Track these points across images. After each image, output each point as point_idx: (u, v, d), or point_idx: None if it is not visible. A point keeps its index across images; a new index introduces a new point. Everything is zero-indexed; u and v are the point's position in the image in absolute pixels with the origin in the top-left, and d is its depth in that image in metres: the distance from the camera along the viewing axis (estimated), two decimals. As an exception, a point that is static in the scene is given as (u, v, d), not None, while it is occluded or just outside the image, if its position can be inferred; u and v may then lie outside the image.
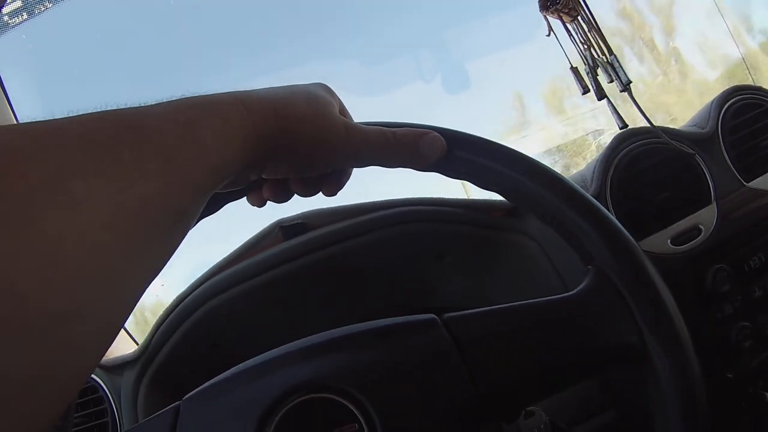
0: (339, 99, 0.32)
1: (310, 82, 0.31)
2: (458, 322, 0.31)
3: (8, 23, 0.73)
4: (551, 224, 0.34)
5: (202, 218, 0.35)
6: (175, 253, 0.24)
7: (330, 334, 0.33)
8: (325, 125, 0.28)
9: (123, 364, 0.65)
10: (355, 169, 0.35)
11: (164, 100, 0.23)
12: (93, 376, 0.66)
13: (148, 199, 0.19)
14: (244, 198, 0.36)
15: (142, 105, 0.22)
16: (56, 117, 0.19)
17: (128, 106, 0.22)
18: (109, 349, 0.73)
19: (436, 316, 0.32)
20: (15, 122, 0.78)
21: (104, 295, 0.17)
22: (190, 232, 0.37)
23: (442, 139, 0.33)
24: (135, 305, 0.20)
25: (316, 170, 0.31)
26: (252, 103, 0.25)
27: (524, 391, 0.31)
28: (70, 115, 0.20)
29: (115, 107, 0.21)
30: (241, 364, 0.33)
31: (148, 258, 0.20)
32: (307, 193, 0.34)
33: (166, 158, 0.20)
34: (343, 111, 0.32)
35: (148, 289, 0.22)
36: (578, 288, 0.32)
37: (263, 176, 0.31)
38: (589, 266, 0.33)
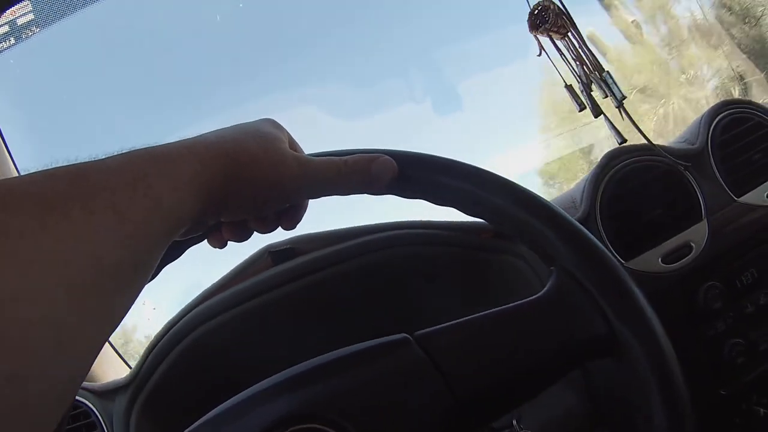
0: (287, 133, 0.32)
1: (258, 120, 0.32)
2: (430, 337, 0.32)
3: (-5, 49, 0.73)
4: (513, 232, 0.35)
5: (164, 265, 0.35)
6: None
7: (308, 365, 0.33)
8: (276, 163, 0.29)
9: (115, 389, 0.65)
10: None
11: (114, 153, 0.23)
12: (85, 401, 0.66)
13: (100, 255, 0.19)
14: None
15: (93, 159, 0.22)
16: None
17: (78, 161, 0.22)
18: (102, 373, 0.73)
19: (408, 335, 0.32)
20: (2, 144, 0.78)
21: (58, 354, 0.17)
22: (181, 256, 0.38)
23: (393, 161, 0.33)
24: (93, 360, 0.20)
25: (272, 208, 0.31)
26: (201, 151, 0.25)
27: (504, 396, 0.31)
28: (23, 173, 0.20)
29: (64, 162, 0.21)
30: (220, 406, 0.33)
31: (103, 314, 0.20)
32: (266, 229, 0.34)
33: (117, 213, 0.20)
34: (292, 145, 0.32)
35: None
36: (544, 289, 0.33)
37: (222, 219, 0.31)
38: (551, 267, 0.33)
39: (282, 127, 0.32)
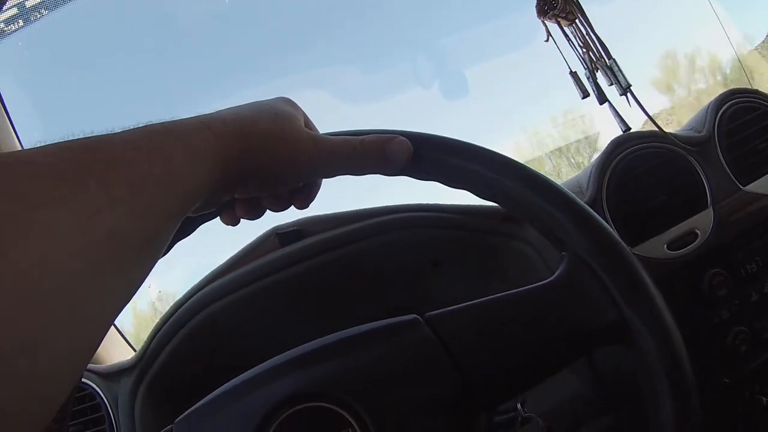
0: (303, 112, 0.32)
1: (274, 98, 0.32)
2: (440, 319, 0.32)
3: (4, 30, 0.73)
4: (524, 217, 0.35)
5: (177, 241, 0.35)
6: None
7: (316, 344, 0.33)
8: (291, 141, 0.29)
9: (120, 371, 0.65)
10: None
11: (130, 127, 0.23)
12: (90, 383, 0.66)
13: (116, 227, 0.19)
14: None
15: (109, 132, 0.22)
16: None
17: (95, 134, 0.22)
18: (108, 355, 0.74)
19: (418, 316, 0.32)
20: (11, 127, 0.78)
21: (74, 322, 0.17)
22: (187, 238, 0.38)
23: (408, 142, 0.33)
24: (106, 331, 0.20)
25: (286, 186, 0.31)
26: (218, 127, 0.25)
27: (512, 379, 0.31)
28: (40, 144, 0.20)
29: (81, 135, 0.21)
30: (229, 382, 0.33)
31: (118, 285, 0.20)
32: (279, 208, 0.34)
33: (134, 186, 0.20)
34: (308, 123, 0.32)
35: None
36: (555, 274, 0.33)
37: (236, 196, 0.31)
38: (563, 252, 0.33)
39: (297, 106, 0.32)
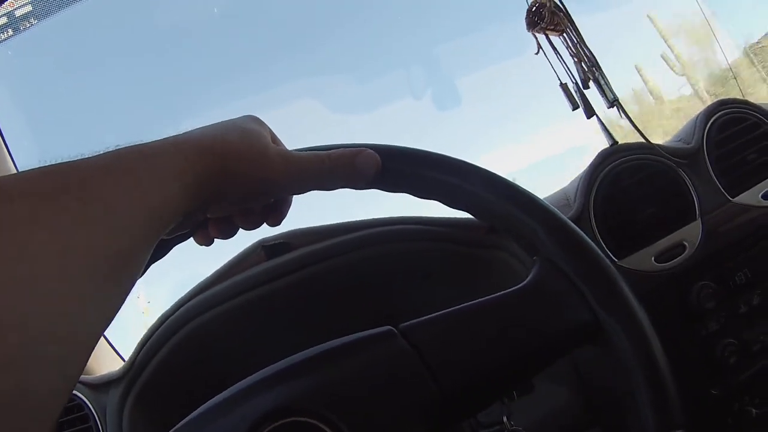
0: (269, 128, 0.33)
1: (240, 116, 0.32)
2: (415, 328, 0.32)
3: (-8, 41, 0.73)
4: (495, 224, 0.35)
5: (152, 263, 0.35)
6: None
7: (295, 358, 0.33)
8: (260, 158, 0.29)
9: (108, 382, 0.65)
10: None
11: (101, 151, 0.24)
12: (78, 393, 0.66)
13: (93, 246, 0.19)
14: None
15: (81, 157, 0.23)
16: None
17: (68, 159, 0.22)
18: (96, 365, 0.74)
19: (392, 327, 0.33)
20: None
21: (55, 342, 0.18)
22: (173, 249, 0.38)
23: (376, 155, 0.33)
24: (91, 350, 0.21)
25: (258, 203, 0.32)
26: (187, 148, 0.26)
27: (488, 385, 0.31)
28: (19, 171, 0.21)
29: (54, 161, 0.22)
30: (209, 401, 0.33)
31: (100, 302, 0.20)
32: (252, 226, 0.34)
33: (106, 204, 0.20)
34: (275, 140, 0.32)
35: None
36: (527, 279, 0.33)
37: (208, 216, 0.32)
38: (534, 257, 0.34)
39: (264, 123, 0.33)
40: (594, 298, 0.30)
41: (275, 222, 0.35)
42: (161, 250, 0.35)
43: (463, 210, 0.36)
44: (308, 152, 0.32)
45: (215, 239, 0.34)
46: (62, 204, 0.19)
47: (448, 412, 0.30)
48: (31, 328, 0.16)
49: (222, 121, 0.30)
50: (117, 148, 0.24)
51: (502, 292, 0.33)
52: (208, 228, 0.34)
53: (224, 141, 0.28)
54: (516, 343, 0.31)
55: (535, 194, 0.34)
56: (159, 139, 0.26)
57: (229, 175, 0.27)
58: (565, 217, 0.33)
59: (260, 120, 0.32)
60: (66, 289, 0.18)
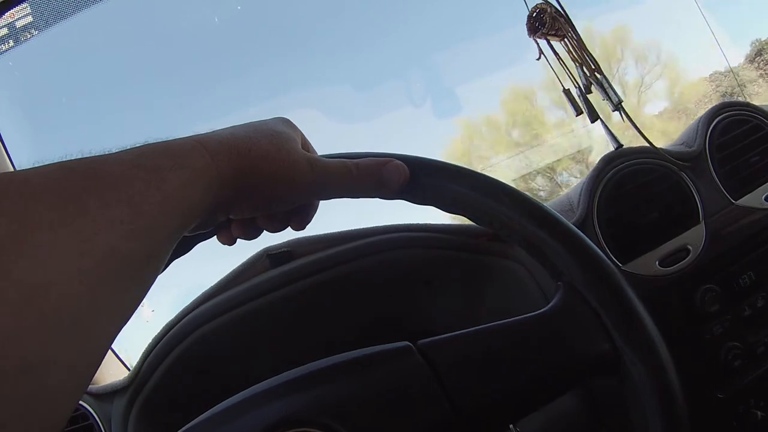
0: (301, 133, 0.32)
1: (271, 118, 0.32)
2: (433, 347, 0.32)
3: (-7, 52, 0.73)
4: (519, 243, 0.34)
5: (174, 260, 0.35)
6: (153, 288, 0.24)
7: (307, 368, 0.33)
8: (288, 162, 0.29)
9: (113, 392, 0.65)
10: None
11: (127, 147, 0.23)
12: (83, 403, 0.66)
13: (114, 247, 0.19)
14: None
15: (106, 153, 0.22)
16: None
17: (92, 154, 0.22)
18: (101, 376, 0.74)
19: (410, 343, 0.32)
20: (1, 146, 0.78)
21: (74, 343, 0.18)
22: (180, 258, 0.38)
23: (405, 166, 0.33)
24: (107, 350, 0.21)
25: (282, 207, 0.31)
26: (213, 146, 0.25)
27: (503, 409, 0.31)
28: (36, 165, 0.20)
29: (78, 155, 0.22)
30: (218, 405, 0.33)
31: (118, 304, 0.20)
32: (276, 228, 0.34)
33: (131, 205, 0.20)
34: (305, 145, 0.32)
35: (123, 329, 0.22)
36: (550, 304, 0.32)
37: (231, 216, 0.31)
38: (558, 282, 0.33)
39: (296, 127, 0.32)
40: (617, 330, 0.30)
41: (299, 226, 0.34)
42: (184, 246, 0.35)
43: (488, 227, 0.35)
44: (336, 159, 0.32)
45: (238, 239, 0.34)
46: (84, 204, 0.19)
47: None
48: (49, 332, 0.16)
49: (252, 122, 0.30)
50: (143, 143, 0.24)
51: (524, 317, 0.32)
52: (231, 228, 0.33)
53: (252, 142, 0.27)
54: (534, 370, 0.31)
55: (563, 217, 0.33)
56: (185, 136, 0.26)
57: (254, 176, 0.27)
58: (592, 244, 0.32)
59: (292, 123, 0.32)
60: (84, 292, 0.18)
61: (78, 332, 0.18)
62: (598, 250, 0.32)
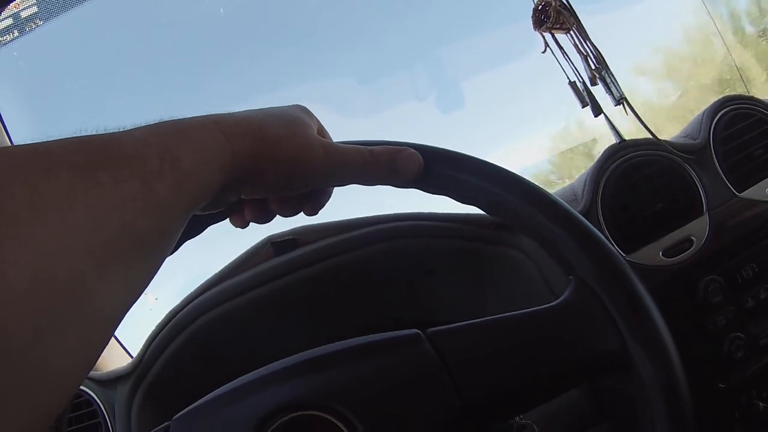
0: (317, 120, 0.33)
1: (288, 105, 0.32)
2: (442, 336, 0.32)
3: (-1, 41, 0.73)
4: (533, 236, 0.34)
5: (185, 241, 0.35)
6: (161, 269, 0.25)
7: (316, 352, 0.33)
8: (302, 146, 0.29)
9: (117, 378, 0.66)
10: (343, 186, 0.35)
11: (142, 124, 0.23)
12: (87, 389, 0.66)
13: (127, 222, 0.19)
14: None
15: (120, 130, 0.22)
16: (47, 131, 0.20)
17: (107, 131, 0.22)
18: (104, 362, 0.74)
19: (419, 331, 0.32)
20: (7, 139, 0.78)
21: (84, 315, 0.18)
22: (183, 246, 0.38)
23: (419, 155, 0.33)
24: (117, 324, 0.21)
25: (295, 190, 0.31)
26: (228, 126, 0.26)
27: (510, 402, 0.31)
28: (50, 139, 0.20)
29: (94, 131, 0.22)
30: (227, 384, 0.33)
31: (128, 280, 0.20)
32: (288, 213, 0.34)
33: (144, 182, 0.20)
34: (321, 131, 0.32)
35: (131, 308, 0.22)
36: (561, 298, 0.32)
37: (242, 197, 0.31)
38: (570, 276, 0.33)
39: (312, 114, 0.32)
40: (628, 330, 0.30)
41: (312, 211, 0.34)
42: (195, 229, 0.35)
43: (501, 219, 0.35)
44: (351, 146, 0.32)
45: (250, 222, 0.34)
46: (98, 180, 0.19)
47: (465, 423, 0.30)
48: (58, 306, 0.17)
49: (268, 107, 0.30)
50: (157, 122, 0.24)
51: (533, 309, 0.32)
52: (244, 211, 0.33)
53: (267, 125, 0.28)
54: (543, 363, 0.31)
55: (576, 212, 0.33)
56: (200, 115, 0.26)
57: (268, 158, 0.27)
58: (605, 240, 0.32)
59: (308, 110, 0.32)
60: (96, 266, 0.18)
61: (87, 307, 0.18)
62: (612, 247, 0.32)
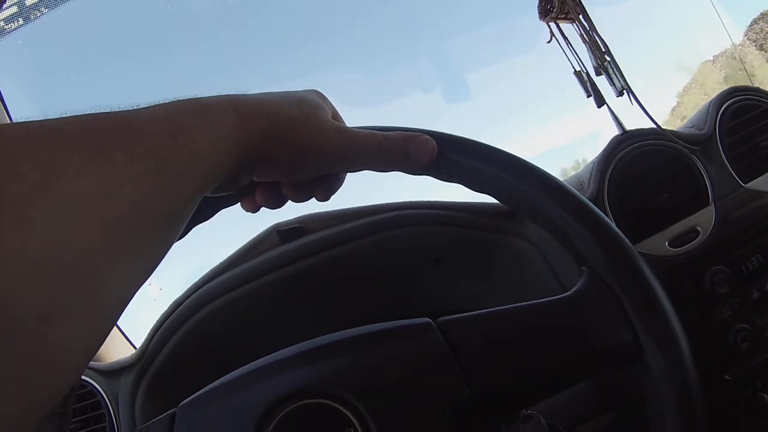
0: (332, 104, 0.32)
1: (303, 89, 0.31)
2: (453, 325, 0.31)
3: (4, 29, 0.73)
4: (545, 226, 0.34)
5: (196, 224, 0.35)
6: (166, 256, 0.24)
7: (325, 339, 0.33)
8: (316, 129, 0.29)
9: (120, 369, 0.65)
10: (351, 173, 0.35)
11: (156, 103, 0.23)
12: (91, 380, 0.66)
13: (138, 201, 0.19)
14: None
15: (134, 108, 0.22)
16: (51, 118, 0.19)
17: (120, 109, 0.22)
18: (108, 353, 0.74)
19: (430, 320, 0.32)
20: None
21: (92, 296, 0.18)
22: (187, 236, 0.38)
23: (433, 141, 0.33)
24: (124, 307, 0.21)
25: (308, 174, 0.31)
26: (243, 107, 0.25)
27: (520, 393, 0.31)
28: (64, 115, 0.20)
29: (107, 109, 0.21)
30: (236, 371, 0.33)
31: (137, 261, 0.20)
32: (300, 197, 0.34)
33: (157, 161, 0.20)
34: (336, 116, 0.32)
35: (139, 290, 0.22)
36: (573, 289, 0.32)
37: (255, 179, 0.31)
38: (583, 267, 0.33)
39: (326, 98, 0.32)
40: (639, 320, 0.30)
41: (324, 197, 0.34)
42: (209, 211, 0.35)
43: (514, 208, 0.35)
44: (366, 131, 0.31)
45: (261, 207, 0.34)
46: (110, 157, 0.18)
47: (475, 413, 0.30)
48: (67, 284, 0.16)
49: (284, 91, 0.30)
50: (172, 100, 0.23)
51: (544, 300, 0.32)
52: (255, 195, 0.33)
53: (281, 108, 0.27)
54: (554, 355, 0.30)
55: (591, 204, 0.33)
56: (216, 95, 0.25)
57: (281, 140, 0.27)
58: (619, 232, 0.32)
59: (323, 95, 0.32)
60: (104, 246, 0.18)
61: (95, 286, 0.18)
62: (625, 239, 0.32)
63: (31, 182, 0.16)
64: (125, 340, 0.77)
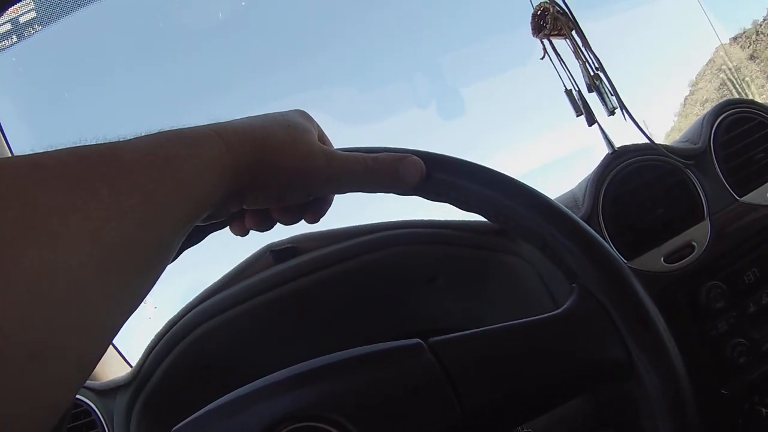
0: (318, 125, 0.32)
1: (289, 110, 0.31)
2: (444, 345, 0.31)
3: (-3, 47, 0.73)
4: (534, 243, 0.34)
5: (186, 249, 0.35)
6: (157, 283, 0.24)
7: (316, 362, 0.33)
8: (303, 154, 0.28)
9: (116, 388, 0.65)
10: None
11: (141, 134, 0.23)
12: (86, 399, 0.66)
13: (126, 234, 0.19)
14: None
15: (120, 140, 0.22)
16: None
17: (106, 140, 0.22)
18: (103, 373, 0.73)
19: (421, 341, 0.32)
20: (5, 143, 0.78)
21: (82, 330, 0.18)
22: (184, 253, 0.38)
23: (422, 162, 0.33)
24: (112, 339, 0.20)
25: (297, 199, 0.31)
26: (229, 136, 0.25)
27: (513, 411, 0.31)
28: (49, 150, 0.20)
29: (93, 142, 0.21)
30: (228, 395, 0.33)
31: (127, 292, 0.20)
32: (289, 221, 0.34)
33: (144, 193, 0.20)
34: (322, 137, 0.32)
35: (130, 318, 0.22)
36: (564, 307, 0.32)
37: (244, 206, 0.31)
38: (573, 284, 0.33)
39: (312, 119, 0.32)
40: (631, 336, 0.30)
41: (313, 219, 0.34)
42: (196, 236, 0.35)
43: (503, 227, 0.35)
44: (353, 153, 0.31)
45: (251, 231, 0.34)
46: (96, 191, 0.18)
47: None
48: (56, 320, 0.16)
49: (268, 113, 0.30)
50: (158, 131, 0.23)
51: (536, 318, 0.32)
52: (245, 219, 0.33)
53: (268, 133, 0.27)
54: (546, 373, 0.30)
55: (579, 218, 0.33)
56: (201, 125, 0.25)
57: (269, 167, 0.27)
58: (609, 248, 0.32)
59: (309, 116, 0.32)
60: (93, 280, 0.18)
61: (85, 321, 0.18)
62: (615, 255, 0.32)
63: (15, 220, 0.16)
64: (121, 358, 0.77)
